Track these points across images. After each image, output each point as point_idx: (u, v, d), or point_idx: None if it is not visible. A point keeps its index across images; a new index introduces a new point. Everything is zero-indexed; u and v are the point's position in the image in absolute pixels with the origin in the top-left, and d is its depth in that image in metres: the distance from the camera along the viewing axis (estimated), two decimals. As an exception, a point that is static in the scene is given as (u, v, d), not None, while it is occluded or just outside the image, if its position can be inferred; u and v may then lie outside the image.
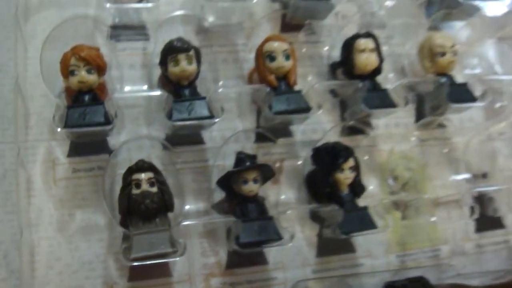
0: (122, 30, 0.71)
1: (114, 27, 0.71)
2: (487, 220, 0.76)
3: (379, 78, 0.73)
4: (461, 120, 0.79)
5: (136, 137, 0.66)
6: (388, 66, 0.77)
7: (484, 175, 0.77)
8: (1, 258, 0.60)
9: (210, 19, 0.71)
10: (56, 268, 0.63)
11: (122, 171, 0.62)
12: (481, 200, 0.76)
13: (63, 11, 0.71)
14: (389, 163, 0.73)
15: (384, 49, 0.76)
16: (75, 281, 0.63)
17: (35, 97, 0.66)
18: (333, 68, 0.74)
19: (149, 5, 0.68)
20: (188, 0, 0.74)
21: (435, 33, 0.75)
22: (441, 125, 0.76)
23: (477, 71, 0.82)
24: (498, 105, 0.79)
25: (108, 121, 0.61)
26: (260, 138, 0.70)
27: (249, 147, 0.70)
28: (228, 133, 0.69)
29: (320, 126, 0.73)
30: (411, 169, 0.73)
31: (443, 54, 0.73)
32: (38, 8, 0.71)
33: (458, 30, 0.82)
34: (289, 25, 0.75)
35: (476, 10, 0.79)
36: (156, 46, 0.69)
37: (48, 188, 0.65)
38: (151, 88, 0.69)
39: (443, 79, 0.72)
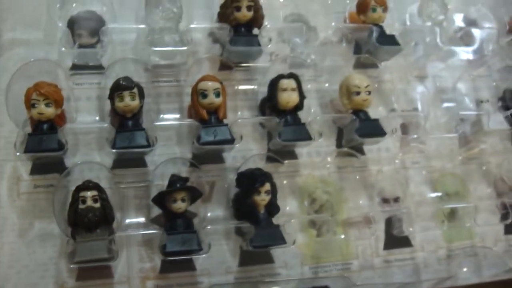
0: (80, 68, 0.83)
1: (74, 66, 0.82)
2: (395, 239, 0.86)
3: (302, 113, 0.84)
4: (379, 149, 0.89)
5: (86, 161, 0.78)
6: (314, 101, 0.88)
7: (396, 199, 0.87)
8: (-32, 258, 0.71)
9: (156, 59, 0.83)
10: (16, 268, 0.75)
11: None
12: (391, 221, 0.86)
13: (31, 49, 0.83)
14: (308, 187, 0.84)
15: (312, 86, 0.87)
16: (32, 279, 0.75)
17: (4, 123, 0.78)
18: (263, 103, 0.85)
19: (103, 49, 0.80)
20: (139, 41, 0.85)
21: (352, 74, 0.86)
22: (353, 155, 0.86)
23: (397, 106, 0.92)
24: (411, 137, 0.89)
25: (61, 147, 0.74)
26: (192, 163, 0.81)
27: (184, 170, 0.81)
28: (167, 158, 0.81)
29: (249, 153, 0.84)
30: (329, 192, 0.84)
31: (358, 93, 0.84)
32: (10, 46, 0.83)
33: (382, 70, 0.92)
34: (226, 64, 0.86)
35: (397, 51, 0.90)
36: (108, 82, 0.81)
37: (13, 201, 0.77)
38: (103, 117, 0.81)
39: (353, 117, 0.83)
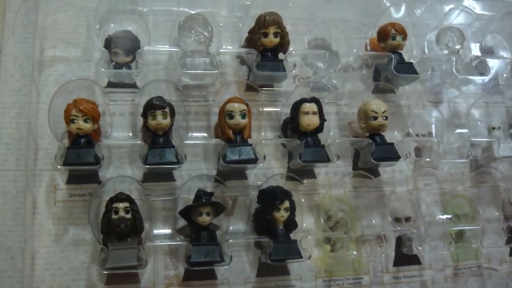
0: (116, 86, 0.89)
1: (110, 83, 0.88)
2: (404, 257, 0.91)
3: (322, 134, 0.89)
4: (393, 171, 0.94)
5: (119, 176, 0.84)
6: (333, 123, 0.93)
7: (408, 219, 0.92)
8: (9, 260, 0.79)
9: (187, 80, 0.89)
10: (50, 270, 0.81)
11: (108, 197, 0.80)
12: (401, 239, 0.92)
13: (70, 66, 0.89)
14: (324, 204, 0.89)
15: (332, 108, 0.92)
16: (64, 282, 0.81)
17: (44, 135, 0.84)
18: (285, 124, 0.90)
19: (138, 70, 0.86)
20: (171, 62, 0.91)
21: (370, 100, 0.90)
22: (368, 177, 0.91)
23: (412, 130, 0.96)
24: (424, 160, 0.94)
25: (97, 161, 0.80)
26: (217, 179, 0.86)
27: (209, 185, 0.87)
28: (194, 173, 0.87)
29: (270, 171, 0.90)
30: (344, 210, 0.90)
31: (375, 118, 0.88)
32: (50, 62, 0.89)
33: (399, 95, 0.97)
34: (252, 86, 0.91)
35: (414, 79, 0.95)
36: (142, 99, 0.86)
37: (49, 208, 0.83)
38: (136, 132, 0.87)
39: (370, 140, 0.88)
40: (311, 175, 0.91)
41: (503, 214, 0.97)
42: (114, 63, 0.88)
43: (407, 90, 0.98)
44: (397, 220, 0.92)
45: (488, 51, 1.04)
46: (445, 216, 0.94)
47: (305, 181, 0.89)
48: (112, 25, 0.92)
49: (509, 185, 0.98)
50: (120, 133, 0.87)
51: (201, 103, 0.91)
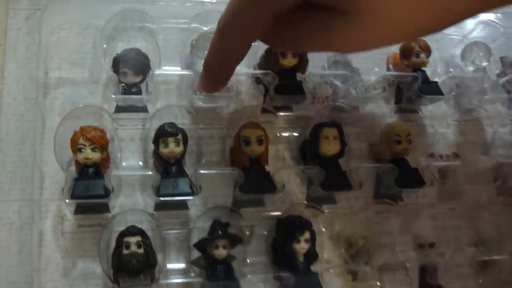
0: (125, 110, 0.84)
1: (119, 107, 0.84)
2: (428, 286, 0.87)
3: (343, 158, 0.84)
4: (417, 196, 0.90)
5: (131, 209, 0.80)
6: (354, 144, 0.89)
7: (432, 245, 0.88)
8: (15, 296, 0.73)
9: (200, 103, 0.84)
10: (59, 306, 0.76)
11: (119, 229, 0.76)
12: (426, 268, 0.87)
13: (76, 88, 0.84)
14: (345, 232, 0.85)
15: (351, 129, 0.88)
16: (74, 317, 0.76)
17: (49, 162, 0.79)
18: (303, 147, 0.86)
19: (147, 96, 0.81)
20: (183, 81, 0.86)
21: (394, 122, 0.86)
22: (391, 204, 0.86)
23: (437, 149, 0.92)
24: (449, 183, 0.90)
25: (107, 193, 0.75)
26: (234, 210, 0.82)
27: (225, 213, 0.82)
28: (210, 201, 0.83)
29: (288, 197, 0.85)
30: (365, 237, 0.85)
31: (398, 142, 0.84)
32: (56, 85, 0.84)
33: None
34: (268, 108, 0.87)
35: (439, 100, 0.90)
36: (153, 123, 0.82)
37: (57, 240, 0.79)
38: (147, 158, 0.82)
39: (393, 166, 0.83)
40: (331, 200, 0.86)
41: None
42: (122, 84, 0.83)
43: (430, 109, 0.92)
44: (420, 246, 0.87)
45: (515, 68, 0.99)
46: (471, 243, 0.88)
47: (326, 210, 0.83)
48: (119, 43, 0.87)
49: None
50: (130, 159, 0.83)
51: (215, 126, 0.85)
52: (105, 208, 0.80)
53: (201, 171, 0.79)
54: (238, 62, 0.68)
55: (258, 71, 0.84)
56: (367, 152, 0.89)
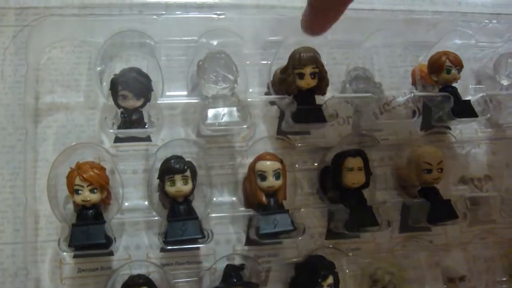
0: (126, 141, 0.76)
1: (119, 137, 0.75)
2: (460, 322, 0.80)
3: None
4: (444, 228, 0.82)
5: (136, 259, 0.73)
6: (378, 170, 0.81)
7: (462, 278, 0.81)
8: None
9: (208, 132, 0.75)
10: None
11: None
12: (456, 302, 0.80)
13: (71, 114, 0.76)
14: (370, 267, 0.77)
15: (376, 154, 0.79)
16: None
17: (44, 200, 0.72)
18: (323, 175, 0.78)
19: (150, 130, 0.73)
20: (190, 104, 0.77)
21: (424, 149, 0.77)
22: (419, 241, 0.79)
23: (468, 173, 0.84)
24: (481, 211, 0.82)
25: (108, 241, 0.68)
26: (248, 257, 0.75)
27: (240, 248, 0.76)
28: (222, 240, 0.76)
29: (309, 231, 0.77)
30: (391, 272, 0.78)
31: (429, 171, 0.76)
32: (48, 111, 0.76)
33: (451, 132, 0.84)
34: (283, 136, 0.78)
35: (472, 121, 0.82)
36: (158, 154, 0.73)
37: (55, 286, 0.72)
38: (151, 192, 0.74)
39: (423, 200, 0.75)
40: (354, 235, 0.78)
41: None
42: (122, 109, 0.74)
43: (459, 127, 0.84)
44: (450, 280, 0.81)
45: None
46: (504, 274, 0.81)
47: (350, 253, 0.76)
48: (118, 63, 0.78)
49: None
50: (133, 195, 0.75)
51: (226, 151, 0.79)
52: (107, 250, 0.72)
53: (212, 215, 0.70)
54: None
55: (274, 96, 0.74)
56: (392, 177, 0.80)
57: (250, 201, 0.74)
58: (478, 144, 0.86)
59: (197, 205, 0.74)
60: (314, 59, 0.73)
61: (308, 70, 0.73)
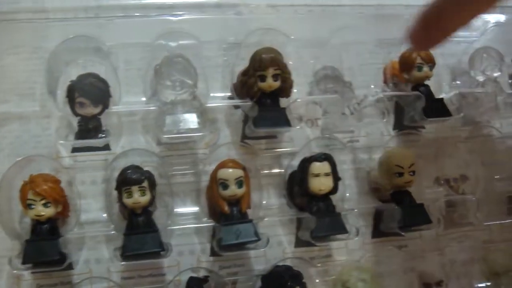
0: (84, 150, 0.73)
1: (77, 147, 0.73)
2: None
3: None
4: (420, 232, 0.79)
5: (97, 276, 0.70)
6: (348, 173, 0.78)
7: (439, 283, 0.78)
8: None
9: (167, 140, 0.72)
10: None
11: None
12: (432, 309, 0.77)
13: (26, 124, 0.73)
14: (341, 275, 0.74)
15: (347, 156, 0.76)
16: None
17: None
18: (292, 179, 0.74)
19: (105, 139, 0.69)
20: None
21: (394, 151, 0.75)
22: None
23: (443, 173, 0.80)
24: (458, 214, 0.79)
25: (62, 257, 0.65)
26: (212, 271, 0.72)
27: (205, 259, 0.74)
28: (186, 251, 0.73)
29: (276, 239, 0.75)
30: (364, 280, 0.75)
31: (400, 174, 0.73)
32: (2, 121, 0.73)
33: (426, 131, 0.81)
34: (246, 140, 0.75)
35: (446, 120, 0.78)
36: (116, 163, 0.70)
37: (13, 304, 0.68)
38: (111, 203, 0.71)
39: (394, 207, 0.72)
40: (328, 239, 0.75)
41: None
42: (79, 118, 0.71)
43: (435, 126, 0.80)
44: (427, 286, 0.78)
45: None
46: (482, 277, 0.78)
47: (319, 264, 0.73)
48: (74, 69, 0.75)
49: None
50: (92, 206, 0.73)
51: (188, 160, 0.76)
52: (68, 265, 0.69)
53: (172, 227, 0.67)
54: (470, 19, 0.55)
55: (233, 101, 0.71)
56: (364, 181, 0.77)
57: (213, 210, 0.70)
58: (454, 143, 0.81)
59: (159, 215, 0.71)
60: (276, 61, 0.70)
61: (270, 72, 0.70)
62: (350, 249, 0.77)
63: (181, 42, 0.74)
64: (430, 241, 0.79)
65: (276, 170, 0.77)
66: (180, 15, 0.76)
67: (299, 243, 0.74)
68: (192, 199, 0.74)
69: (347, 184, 0.77)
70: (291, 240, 0.75)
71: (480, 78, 0.81)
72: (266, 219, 0.71)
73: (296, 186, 0.73)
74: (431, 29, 0.57)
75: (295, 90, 0.75)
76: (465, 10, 0.55)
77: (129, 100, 0.74)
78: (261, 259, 0.74)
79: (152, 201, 0.69)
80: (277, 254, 0.75)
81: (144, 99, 0.74)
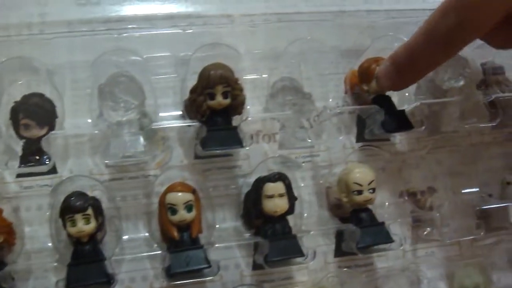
0: (28, 175, 0.70)
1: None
2: None
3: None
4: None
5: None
6: (306, 189, 0.74)
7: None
8: None
9: (115, 160, 0.69)
10: None
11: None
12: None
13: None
14: (303, 296, 0.72)
15: (306, 173, 0.73)
16: None
17: None
18: (246, 200, 0.71)
19: (48, 165, 0.66)
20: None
21: (353, 168, 0.71)
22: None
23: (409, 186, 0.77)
24: (425, 232, 0.76)
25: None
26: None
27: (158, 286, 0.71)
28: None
29: (232, 261, 0.72)
30: (325, 301, 0.72)
31: (359, 192, 0.70)
32: None
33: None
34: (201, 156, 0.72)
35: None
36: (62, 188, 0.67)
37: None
38: (58, 231, 0.68)
39: (353, 228, 0.69)
40: (286, 263, 0.71)
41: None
42: (24, 140, 0.67)
43: (400, 138, 0.77)
44: (393, 305, 0.74)
45: (498, 72, 0.81)
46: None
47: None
48: (18, 89, 0.71)
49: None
50: (38, 233, 0.69)
51: (139, 181, 0.72)
52: (13, 291, 0.66)
53: (117, 257, 0.64)
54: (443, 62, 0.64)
55: (182, 122, 0.68)
56: (323, 198, 0.73)
57: (164, 235, 0.67)
58: (420, 154, 0.78)
59: (110, 239, 0.68)
60: (225, 78, 0.66)
61: (219, 89, 0.67)
62: (312, 270, 0.73)
63: (129, 58, 0.70)
64: (396, 258, 0.75)
65: (232, 190, 0.72)
66: (129, 29, 0.71)
67: (257, 265, 0.71)
68: (145, 223, 0.70)
69: (307, 201, 0.72)
70: (249, 262, 0.71)
71: (445, 87, 0.76)
72: (217, 245, 0.66)
73: (251, 207, 0.69)
74: (404, 71, 0.64)
75: (249, 106, 0.71)
76: (438, 53, 0.61)
77: (76, 121, 0.70)
78: (217, 284, 0.70)
79: (99, 229, 0.66)
80: (234, 277, 0.71)
81: (90, 120, 0.69)
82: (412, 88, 0.77)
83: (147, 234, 0.70)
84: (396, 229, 0.74)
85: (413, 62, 0.63)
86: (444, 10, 0.58)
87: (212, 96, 0.67)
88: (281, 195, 0.68)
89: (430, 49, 0.60)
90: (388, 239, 0.70)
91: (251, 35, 0.75)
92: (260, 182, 0.68)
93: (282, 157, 0.72)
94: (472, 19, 0.56)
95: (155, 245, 0.69)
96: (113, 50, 0.70)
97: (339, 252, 0.74)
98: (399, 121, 0.72)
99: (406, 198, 0.77)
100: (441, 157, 0.79)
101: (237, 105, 0.68)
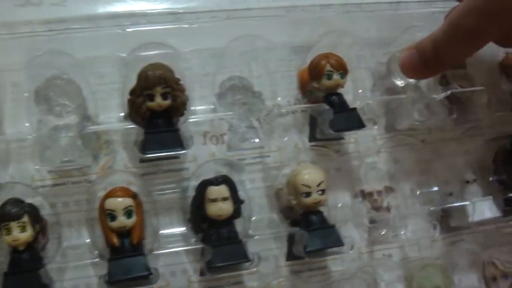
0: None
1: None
2: None
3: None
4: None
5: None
6: (258, 192, 0.73)
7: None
8: None
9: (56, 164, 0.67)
10: None
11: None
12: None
13: None
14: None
15: (257, 175, 0.71)
16: None
17: None
18: (193, 205, 0.69)
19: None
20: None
21: (301, 170, 0.68)
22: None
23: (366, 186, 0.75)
24: (382, 232, 0.73)
25: None
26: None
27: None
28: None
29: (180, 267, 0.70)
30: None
31: (308, 194, 0.67)
32: None
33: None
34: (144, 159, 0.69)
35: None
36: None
37: None
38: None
39: (302, 232, 0.67)
40: (232, 269, 0.69)
41: (484, 280, 0.76)
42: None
43: (355, 137, 0.74)
44: (348, 309, 0.71)
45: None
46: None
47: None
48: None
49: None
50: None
51: (82, 186, 0.69)
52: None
53: (57, 266, 0.62)
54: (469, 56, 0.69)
55: (122, 125, 0.66)
56: (274, 200, 0.71)
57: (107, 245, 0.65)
58: (377, 153, 0.75)
59: (52, 246, 0.66)
60: (164, 78, 0.64)
61: (158, 90, 0.65)
62: (263, 274, 0.70)
63: (69, 59, 0.67)
64: (352, 261, 0.73)
65: (179, 194, 0.70)
66: (69, 29, 0.69)
67: (203, 271, 0.68)
68: (87, 229, 0.68)
69: (258, 204, 0.70)
70: (197, 267, 0.69)
71: (399, 83, 0.73)
72: (161, 251, 0.65)
73: (196, 211, 0.67)
74: (430, 63, 0.65)
75: (196, 107, 0.68)
76: (461, 49, 0.63)
77: (16, 126, 0.68)
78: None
79: (36, 237, 0.63)
80: (182, 283, 0.69)
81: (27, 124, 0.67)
82: (369, 84, 0.74)
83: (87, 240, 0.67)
84: (351, 231, 0.71)
85: (438, 55, 0.64)
86: (469, 10, 0.59)
87: (152, 98, 0.64)
88: (225, 199, 0.65)
89: (454, 44, 0.62)
90: (338, 242, 0.67)
91: (199, 33, 0.72)
92: (203, 186, 0.66)
93: (225, 160, 0.69)
94: (493, 25, 0.59)
95: (96, 252, 0.65)
96: (51, 52, 0.67)
97: (291, 256, 0.71)
98: (349, 119, 0.69)
99: (362, 198, 0.73)
100: (398, 156, 0.76)
101: (178, 106, 0.66)
